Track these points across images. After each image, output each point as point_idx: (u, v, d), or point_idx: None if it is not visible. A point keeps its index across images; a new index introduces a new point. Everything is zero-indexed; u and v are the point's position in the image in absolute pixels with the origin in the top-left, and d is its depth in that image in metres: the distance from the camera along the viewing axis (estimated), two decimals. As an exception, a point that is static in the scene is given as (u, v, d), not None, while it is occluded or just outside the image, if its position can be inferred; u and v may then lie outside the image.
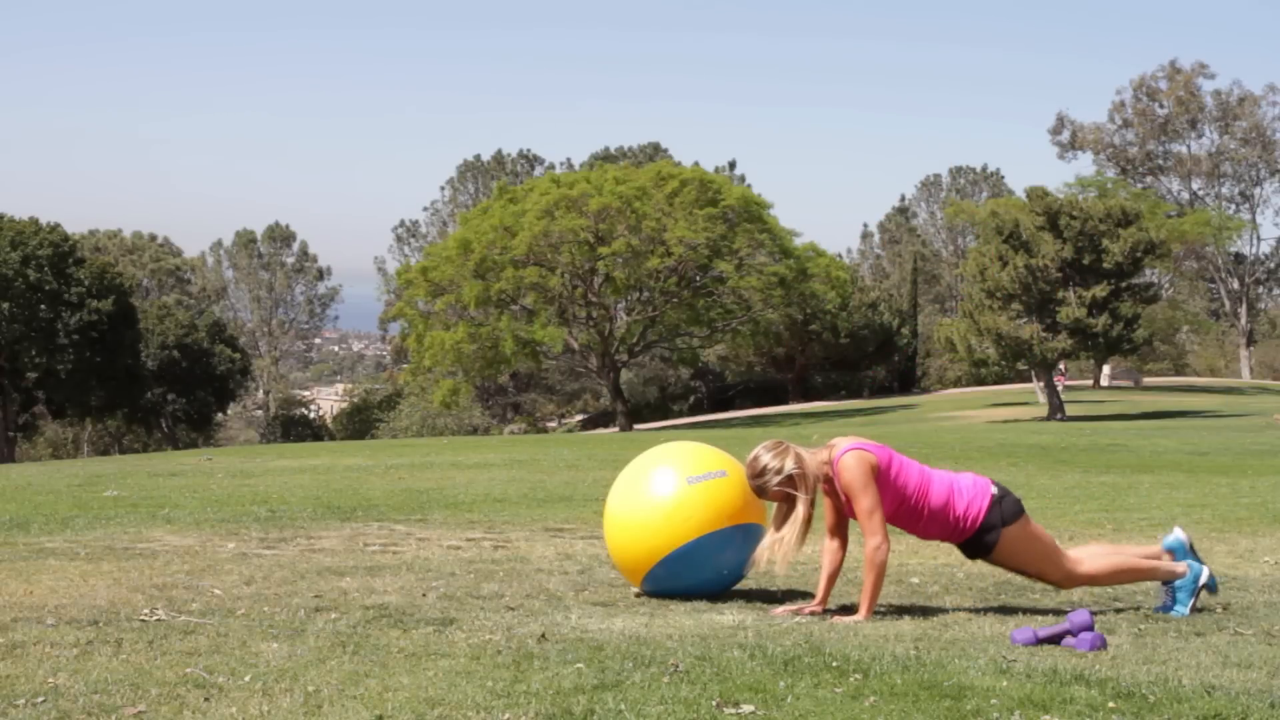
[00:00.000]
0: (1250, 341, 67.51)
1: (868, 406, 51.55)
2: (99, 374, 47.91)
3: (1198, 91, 66.65)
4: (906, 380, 67.08)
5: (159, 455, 26.90)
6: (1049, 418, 35.23)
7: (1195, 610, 5.49)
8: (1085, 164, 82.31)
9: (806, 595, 5.89)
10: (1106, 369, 53.11)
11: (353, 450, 22.72)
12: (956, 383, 64.21)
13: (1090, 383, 53.47)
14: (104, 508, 10.63)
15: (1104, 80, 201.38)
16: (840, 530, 5.64)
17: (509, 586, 6.13)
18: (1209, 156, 67.62)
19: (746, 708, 3.71)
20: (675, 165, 50.51)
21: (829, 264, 46.95)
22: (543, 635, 4.82)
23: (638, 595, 5.93)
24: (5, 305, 46.43)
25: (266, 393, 75.89)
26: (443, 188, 77.30)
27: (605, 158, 67.59)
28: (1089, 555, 5.65)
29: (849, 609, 5.54)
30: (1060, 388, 38.19)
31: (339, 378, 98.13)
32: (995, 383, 58.07)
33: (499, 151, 74.99)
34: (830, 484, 5.56)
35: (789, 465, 5.49)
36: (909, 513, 5.52)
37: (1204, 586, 5.54)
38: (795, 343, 60.06)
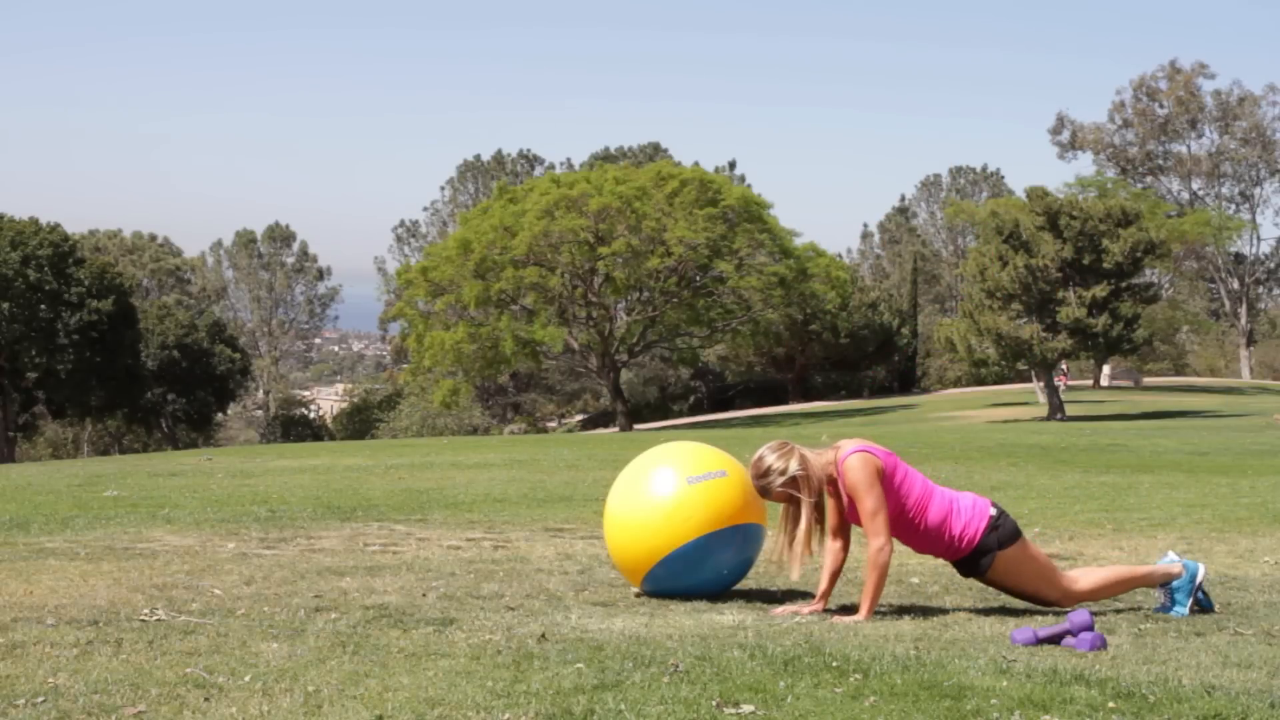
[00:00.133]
0: (1250, 341, 67.51)
1: (868, 406, 51.54)
2: (99, 374, 47.90)
3: (1198, 91, 66.67)
4: (906, 380, 67.08)
5: (159, 455, 26.90)
6: (1049, 418, 35.24)
7: (1194, 610, 5.49)
8: (1085, 164, 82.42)
9: (806, 595, 5.89)
10: (1106, 369, 53.11)
11: (353, 450, 22.71)
12: (956, 383, 64.21)
13: (1090, 383, 53.46)
14: (104, 508, 10.63)
15: (1104, 80, 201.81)
16: (842, 530, 5.65)
17: (509, 586, 6.13)
18: (1209, 156, 67.61)
19: (746, 708, 3.71)
20: (675, 165, 50.51)
21: (829, 264, 46.95)
22: (543, 635, 4.82)
23: (638, 595, 5.92)
24: (5, 305, 46.42)
25: (266, 393, 75.88)
26: (443, 188, 77.41)
27: (605, 158, 67.60)
28: (1084, 573, 5.73)
29: (849, 609, 5.54)
30: (1063, 388, 38.17)
31: (339, 378, 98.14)
32: (995, 383, 58.05)
33: (499, 151, 75.06)
34: (834, 485, 5.57)
35: (793, 467, 5.50)
36: (905, 525, 5.53)
37: (1200, 587, 5.55)
38: (795, 343, 60.04)
